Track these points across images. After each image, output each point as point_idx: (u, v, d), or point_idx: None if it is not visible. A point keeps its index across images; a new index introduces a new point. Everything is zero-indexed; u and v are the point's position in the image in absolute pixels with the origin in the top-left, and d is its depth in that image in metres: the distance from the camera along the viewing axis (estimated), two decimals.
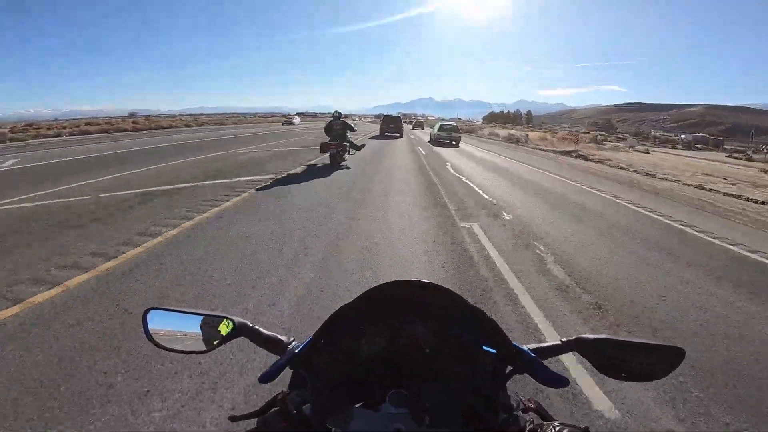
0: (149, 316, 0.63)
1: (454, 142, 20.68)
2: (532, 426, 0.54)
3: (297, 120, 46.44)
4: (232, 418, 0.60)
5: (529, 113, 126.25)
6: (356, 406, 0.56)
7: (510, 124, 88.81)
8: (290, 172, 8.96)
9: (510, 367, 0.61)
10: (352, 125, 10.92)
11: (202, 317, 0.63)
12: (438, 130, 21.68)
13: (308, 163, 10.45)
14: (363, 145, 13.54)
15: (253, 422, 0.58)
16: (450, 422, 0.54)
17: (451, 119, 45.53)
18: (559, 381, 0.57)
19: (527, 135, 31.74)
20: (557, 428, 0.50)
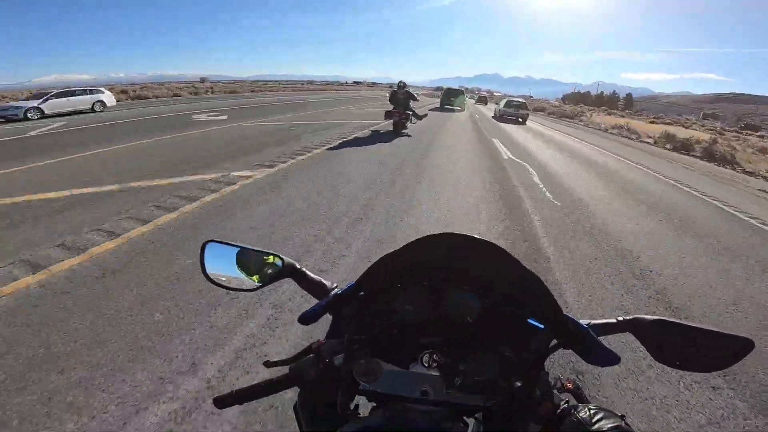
0: (207, 247, 0.64)
1: (520, 119, 20.21)
2: (566, 406, 0.50)
3: None
4: (267, 364, 0.59)
5: (629, 96, 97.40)
6: (387, 363, 0.54)
7: (606, 107, 67.33)
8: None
9: (554, 342, 0.57)
10: (416, 95, 11.50)
11: (255, 254, 0.64)
12: (504, 106, 21.39)
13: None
14: (425, 115, 12.62)
15: (286, 369, 0.57)
16: (484, 390, 0.52)
17: (520, 96, 43.92)
18: (610, 358, 0.54)
19: (719, 141, 16.24)
20: (593, 411, 0.46)
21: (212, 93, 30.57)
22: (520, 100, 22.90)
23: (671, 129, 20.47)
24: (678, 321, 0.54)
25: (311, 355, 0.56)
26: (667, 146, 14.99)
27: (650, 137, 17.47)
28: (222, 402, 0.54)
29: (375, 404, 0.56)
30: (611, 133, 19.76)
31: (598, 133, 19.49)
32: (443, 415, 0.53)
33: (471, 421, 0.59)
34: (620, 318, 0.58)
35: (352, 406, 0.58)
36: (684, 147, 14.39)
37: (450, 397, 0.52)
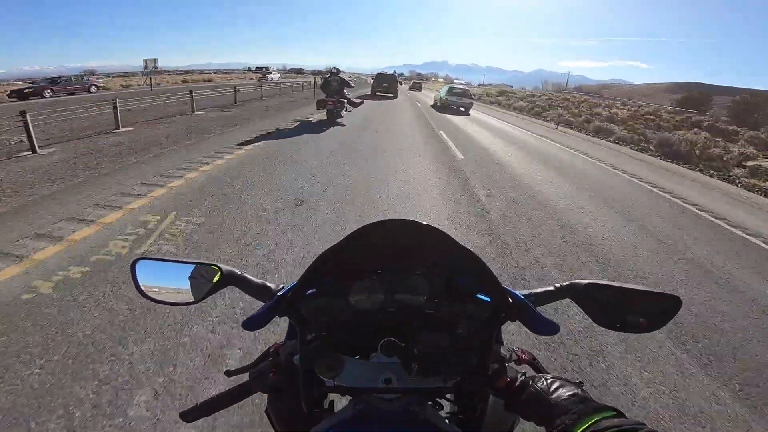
0: (138, 266, 0.60)
1: (462, 108, 17.92)
2: (524, 378, 0.51)
3: (275, 76, 39.90)
4: (228, 373, 0.59)
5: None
6: (349, 356, 0.55)
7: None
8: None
9: (502, 315, 0.58)
10: (350, 82, 11.05)
11: (190, 266, 0.61)
12: (446, 94, 18.54)
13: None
14: (361, 102, 12.10)
15: (247, 375, 0.56)
16: (440, 371, 0.53)
17: (498, 84, 42.68)
18: (550, 327, 0.55)
19: None
20: (549, 381, 0.47)
21: None
22: (462, 86, 20.94)
23: None
24: (610, 283, 0.57)
25: (270, 359, 0.57)
26: None
27: None
28: (189, 415, 0.53)
29: (351, 398, 0.56)
30: None
31: None
32: (412, 401, 0.53)
33: (446, 403, 0.61)
34: (557, 285, 0.61)
35: (326, 404, 0.60)
36: None
37: (413, 383, 0.52)
